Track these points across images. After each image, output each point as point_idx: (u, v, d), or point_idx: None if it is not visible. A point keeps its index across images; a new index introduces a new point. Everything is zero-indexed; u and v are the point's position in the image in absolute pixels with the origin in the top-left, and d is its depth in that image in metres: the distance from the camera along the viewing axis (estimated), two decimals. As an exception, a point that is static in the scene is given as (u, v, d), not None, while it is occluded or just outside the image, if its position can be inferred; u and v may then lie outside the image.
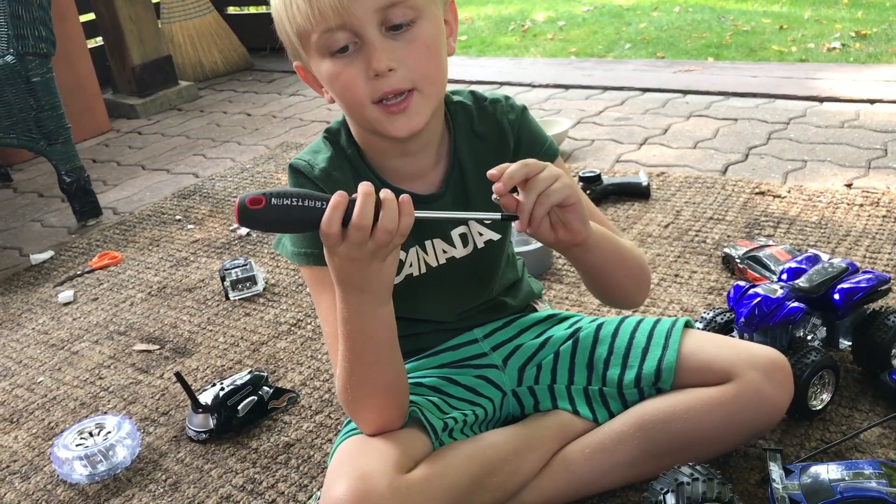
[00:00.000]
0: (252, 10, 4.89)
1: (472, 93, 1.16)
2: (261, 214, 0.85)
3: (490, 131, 1.13)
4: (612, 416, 1.12)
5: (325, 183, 1.07)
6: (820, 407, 1.21)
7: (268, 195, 0.85)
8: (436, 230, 1.13)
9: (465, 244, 1.15)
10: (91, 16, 3.78)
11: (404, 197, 0.89)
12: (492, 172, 0.93)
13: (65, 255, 2.30)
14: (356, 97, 0.98)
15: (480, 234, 1.15)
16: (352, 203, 0.87)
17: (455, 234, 1.14)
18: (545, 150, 1.15)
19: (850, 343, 1.30)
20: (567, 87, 3.22)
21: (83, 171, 2.48)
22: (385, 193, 0.88)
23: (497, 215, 0.94)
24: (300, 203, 0.86)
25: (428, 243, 1.13)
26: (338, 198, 0.86)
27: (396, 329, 1.00)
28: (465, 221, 1.14)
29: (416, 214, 0.90)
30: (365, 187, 0.87)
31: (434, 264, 1.14)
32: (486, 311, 1.22)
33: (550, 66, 3.69)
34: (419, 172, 1.11)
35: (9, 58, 2.27)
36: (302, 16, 0.96)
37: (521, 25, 5.18)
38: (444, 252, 1.14)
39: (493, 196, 0.93)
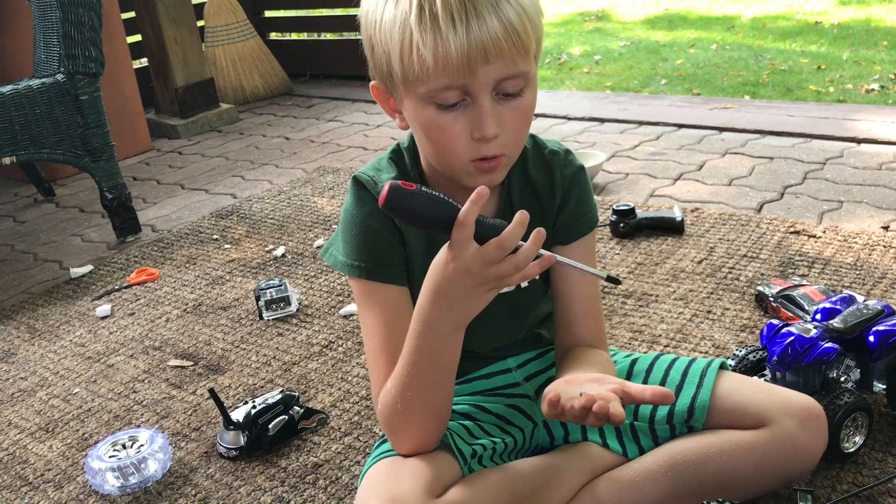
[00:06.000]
0: (294, 36, 5.00)
1: (534, 137, 1.16)
2: (410, 198, 0.86)
3: (541, 179, 1.14)
4: (641, 451, 1.12)
5: None
6: (852, 449, 1.20)
7: (417, 185, 0.87)
8: None
9: None
10: (138, 37, 3.87)
11: (547, 256, 0.88)
12: (553, 393, 0.88)
13: (103, 270, 2.35)
14: (453, 151, 0.99)
15: None
16: (482, 223, 0.87)
17: None
18: (587, 217, 1.15)
19: (884, 386, 1.29)
20: (602, 120, 3.24)
21: (125, 189, 2.53)
22: (536, 235, 0.87)
23: (602, 274, 0.94)
24: (446, 198, 0.87)
25: None
26: (480, 191, 0.86)
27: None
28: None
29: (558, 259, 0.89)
30: (522, 216, 0.86)
31: None
32: (521, 343, 1.23)
33: (586, 100, 3.71)
34: None
35: (59, 76, 2.34)
36: (421, 67, 0.93)
37: (558, 59, 5.22)
38: None
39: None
